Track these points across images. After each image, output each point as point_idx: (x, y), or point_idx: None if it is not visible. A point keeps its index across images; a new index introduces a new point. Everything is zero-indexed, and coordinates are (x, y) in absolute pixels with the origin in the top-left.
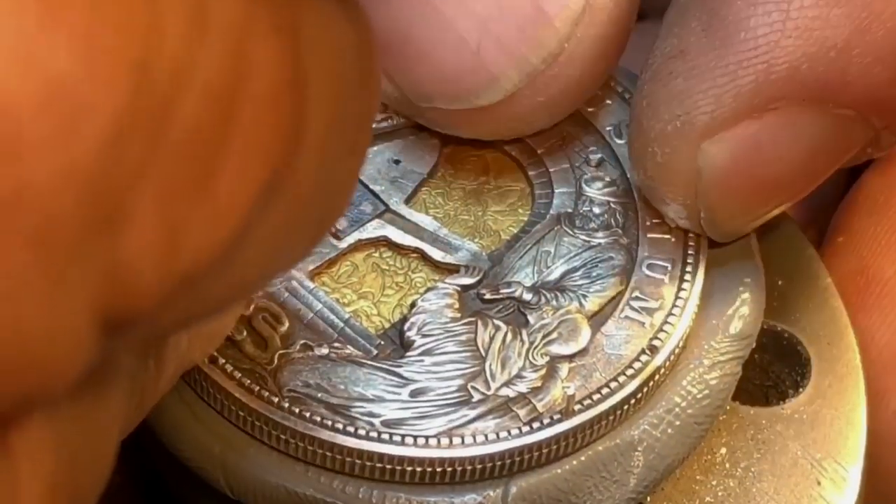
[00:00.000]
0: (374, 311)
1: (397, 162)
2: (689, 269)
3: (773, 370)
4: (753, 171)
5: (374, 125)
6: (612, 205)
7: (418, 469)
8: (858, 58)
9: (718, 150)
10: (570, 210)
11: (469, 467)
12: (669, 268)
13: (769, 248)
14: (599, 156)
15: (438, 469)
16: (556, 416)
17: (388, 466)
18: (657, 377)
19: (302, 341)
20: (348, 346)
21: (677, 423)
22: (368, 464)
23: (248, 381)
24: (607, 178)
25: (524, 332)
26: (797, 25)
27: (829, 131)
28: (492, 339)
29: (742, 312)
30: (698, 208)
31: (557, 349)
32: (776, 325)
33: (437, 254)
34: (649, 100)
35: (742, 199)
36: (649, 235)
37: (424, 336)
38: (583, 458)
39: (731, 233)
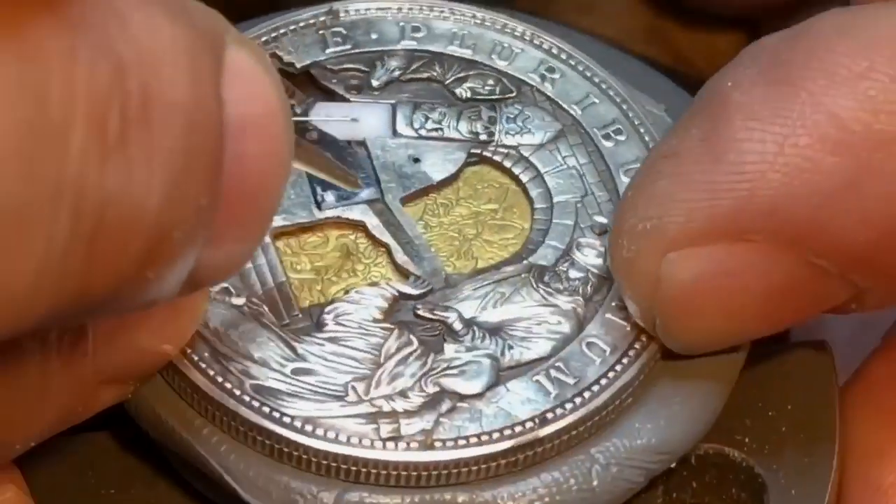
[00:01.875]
0: (318, 287)
1: (416, 161)
2: (626, 360)
3: (732, 495)
4: (715, 295)
5: (416, 125)
6: (591, 275)
7: (264, 441)
8: (844, 212)
9: (683, 265)
10: (546, 264)
11: (311, 458)
12: (608, 352)
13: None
14: (605, 223)
15: (277, 446)
16: (412, 444)
17: (241, 428)
18: (537, 450)
19: (225, 285)
20: (265, 307)
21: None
22: (223, 417)
23: None
24: (601, 249)
25: (431, 357)
26: (788, 162)
27: (804, 279)
28: (398, 350)
29: (667, 431)
30: (653, 314)
31: (452, 384)
32: (732, 453)
33: (400, 256)
34: (633, 192)
35: (699, 320)
36: (607, 315)
37: (338, 324)
38: (432, 497)
39: (684, 347)
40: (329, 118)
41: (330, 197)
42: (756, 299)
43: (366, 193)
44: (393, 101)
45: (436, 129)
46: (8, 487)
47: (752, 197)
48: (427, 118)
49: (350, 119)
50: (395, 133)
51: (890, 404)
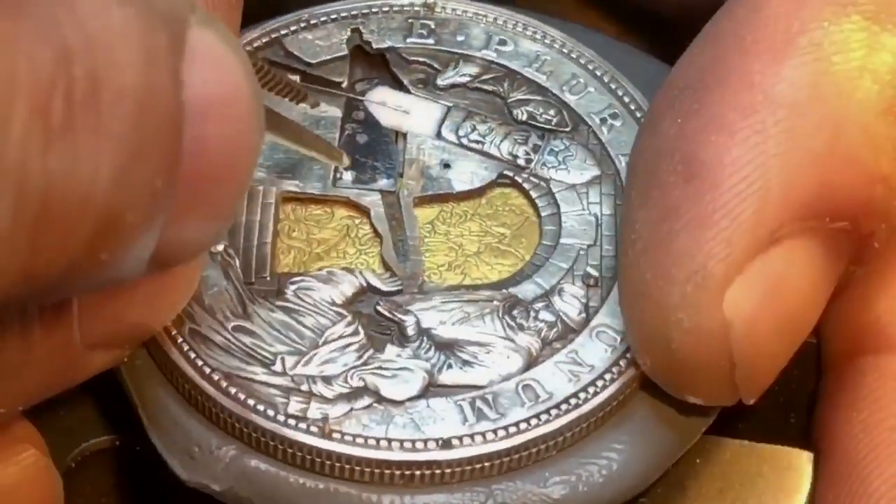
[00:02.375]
0: (303, 258)
1: (447, 166)
2: (554, 412)
3: None
4: (778, 308)
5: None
6: (560, 322)
7: (183, 385)
8: (839, 161)
9: (742, 295)
10: (523, 299)
11: (218, 413)
12: (540, 399)
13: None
14: (597, 276)
15: (192, 393)
16: (312, 428)
17: (167, 367)
18: (435, 471)
19: None
20: (237, 261)
21: None
22: (154, 353)
23: None
24: (584, 301)
25: (369, 353)
26: (777, 141)
27: (830, 249)
28: (340, 337)
29: (575, 488)
30: (733, 368)
31: (376, 383)
32: None
33: (388, 251)
34: (654, 271)
35: (773, 342)
36: (557, 364)
37: (297, 297)
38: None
39: (761, 387)
40: (383, 103)
41: (347, 176)
42: (806, 292)
43: (384, 183)
44: (450, 104)
45: (477, 142)
46: (26, 447)
47: (765, 193)
48: (474, 128)
49: (402, 110)
50: (438, 134)
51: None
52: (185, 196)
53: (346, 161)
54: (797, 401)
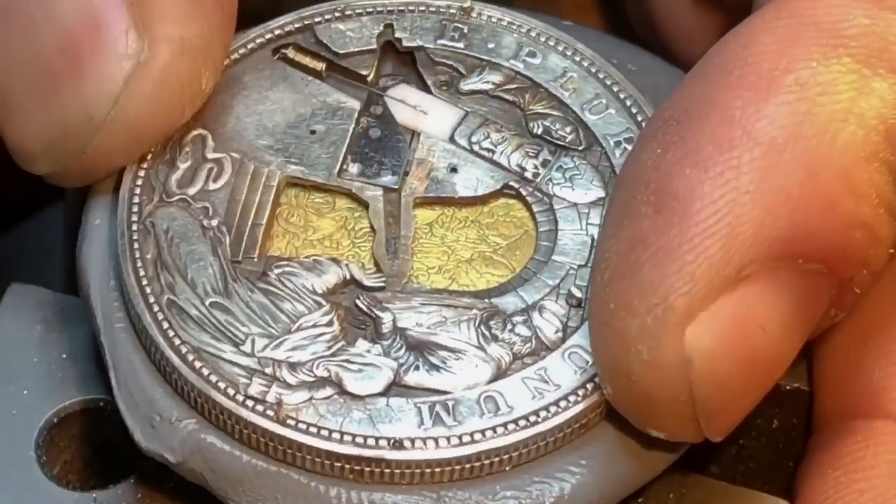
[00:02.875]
0: (296, 244)
1: (453, 170)
2: (511, 426)
3: None
4: (742, 347)
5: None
6: (535, 339)
7: (153, 354)
8: (815, 203)
9: (704, 332)
10: (502, 310)
11: (182, 386)
12: (500, 412)
13: None
14: (580, 297)
15: (161, 363)
16: (268, 412)
17: (141, 335)
18: (380, 469)
19: (207, 205)
20: (228, 238)
21: None
22: (131, 317)
23: (138, 191)
24: (563, 320)
25: (339, 345)
26: (751, 179)
27: (802, 292)
28: (314, 326)
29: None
30: (692, 405)
31: (342, 376)
32: None
33: (379, 247)
34: (617, 301)
35: (735, 382)
36: (524, 379)
37: (280, 283)
38: (278, 470)
39: (725, 426)
40: (403, 100)
41: (353, 169)
42: (773, 333)
43: (388, 179)
44: (467, 110)
45: (488, 150)
46: None
47: (734, 230)
48: (487, 136)
49: (420, 109)
50: (451, 138)
51: None
52: None
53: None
54: (798, 447)
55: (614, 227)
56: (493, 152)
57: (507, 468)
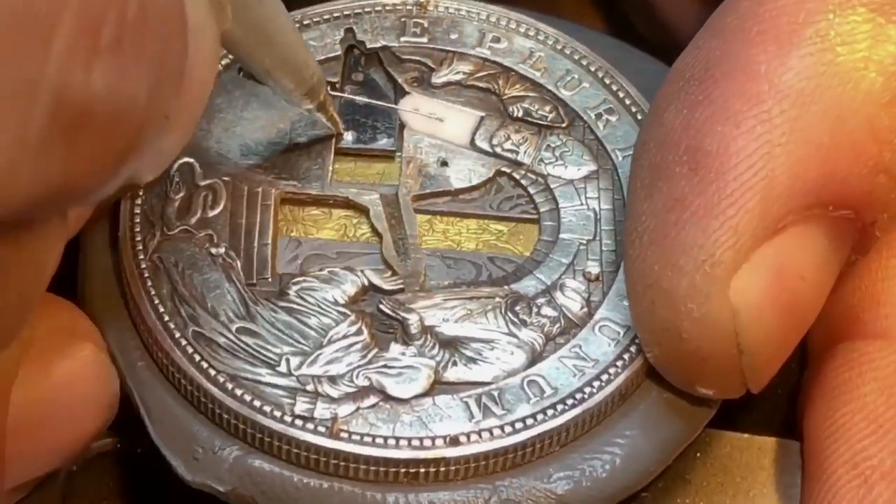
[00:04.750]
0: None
1: (444, 164)
2: (560, 407)
3: None
4: (783, 295)
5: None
6: (563, 317)
7: (186, 387)
8: (843, 151)
9: (748, 284)
10: (524, 294)
11: (223, 414)
12: (545, 395)
13: None
14: (597, 271)
15: (196, 394)
16: (320, 428)
17: (171, 369)
18: (441, 468)
19: (210, 232)
20: (238, 262)
21: None
22: (158, 353)
23: (138, 229)
24: (585, 295)
25: (374, 352)
26: (783, 131)
27: (833, 237)
28: (345, 337)
29: (581, 484)
30: (739, 358)
31: (383, 382)
32: None
33: (388, 250)
34: (662, 262)
35: (778, 330)
36: (562, 359)
37: (300, 297)
38: (331, 485)
39: (767, 376)
40: (416, 110)
41: (349, 136)
42: (809, 279)
43: (385, 142)
44: (483, 114)
45: (511, 151)
46: (85, 343)
47: (771, 182)
48: (508, 138)
49: (436, 118)
50: (472, 143)
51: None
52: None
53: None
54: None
55: (648, 190)
56: (517, 153)
57: (557, 448)
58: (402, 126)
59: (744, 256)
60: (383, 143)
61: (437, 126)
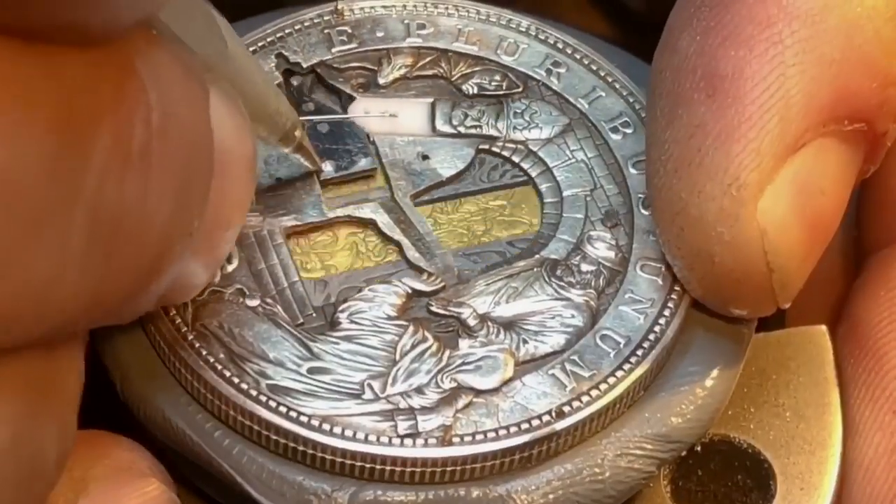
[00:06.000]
0: (330, 286)
1: (425, 157)
2: (640, 352)
3: (737, 481)
4: (806, 210)
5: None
6: (602, 268)
7: (279, 441)
8: (855, 66)
9: (773, 203)
10: (558, 258)
11: (327, 456)
12: (622, 344)
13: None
14: (615, 215)
15: (292, 445)
16: (430, 440)
17: (257, 428)
18: (552, 443)
19: (239, 286)
20: (278, 307)
21: (554, 496)
22: (238, 418)
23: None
24: (613, 242)
25: (447, 353)
26: (795, 52)
27: (848, 150)
28: (413, 347)
29: (677, 419)
30: (770, 275)
31: (468, 379)
32: (737, 438)
33: (412, 253)
34: (689, 189)
35: (805, 243)
36: (620, 308)
37: (353, 322)
38: (446, 493)
39: (795, 290)
40: (367, 112)
41: (329, 167)
42: (829, 193)
43: (364, 163)
44: (433, 99)
45: (475, 126)
46: (151, 481)
47: (787, 101)
48: (466, 115)
49: (389, 114)
50: (433, 129)
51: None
52: (203, 235)
53: (325, 167)
54: None
55: (668, 118)
56: (480, 127)
57: (642, 393)
58: (377, 148)
59: (768, 177)
60: (363, 163)
61: (394, 122)
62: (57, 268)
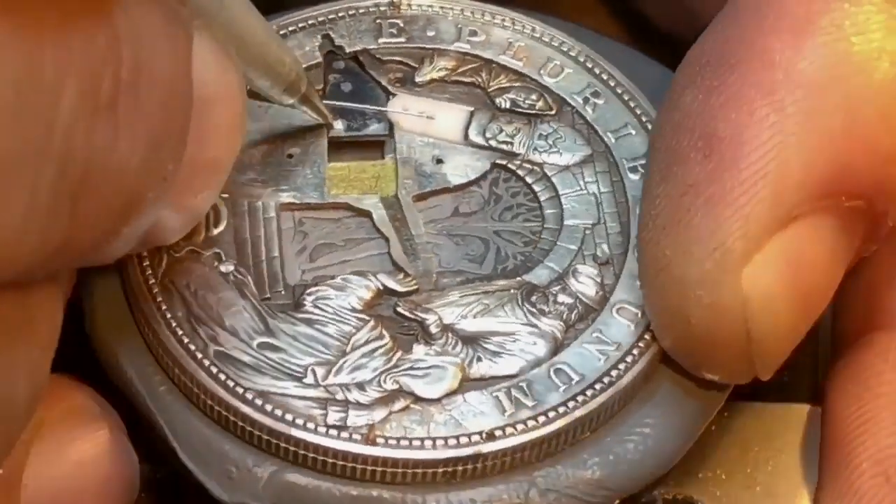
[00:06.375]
0: (310, 266)
1: (439, 162)
2: (590, 392)
3: None
4: (795, 284)
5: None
6: (579, 303)
7: (213, 407)
8: (857, 142)
9: (760, 272)
10: (538, 284)
11: (254, 431)
12: (574, 381)
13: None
14: (607, 254)
15: (225, 414)
16: (355, 436)
17: (196, 391)
18: (478, 464)
19: (217, 250)
20: (250, 278)
21: None
22: (181, 377)
23: (144, 253)
24: (598, 279)
25: (398, 355)
26: (796, 121)
27: (845, 227)
28: (367, 343)
29: (615, 468)
30: (749, 345)
31: (412, 384)
32: (700, 502)
33: (397, 252)
34: (674, 248)
35: (789, 319)
36: (584, 345)
37: (316, 307)
38: (363, 492)
39: (776, 363)
40: (406, 110)
41: (339, 125)
42: (821, 268)
43: (376, 127)
44: (472, 108)
45: (506, 143)
46: (101, 426)
47: (783, 171)
48: (501, 130)
49: (426, 116)
50: (465, 138)
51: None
52: (181, 181)
53: (332, 121)
54: (789, 360)
55: (663, 174)
56: (511, 144)
57: (588, 434)
58: (392, 127)
59: (755, 246)
60: (374, 128)
61: (429, 124)
62: (25, 214)
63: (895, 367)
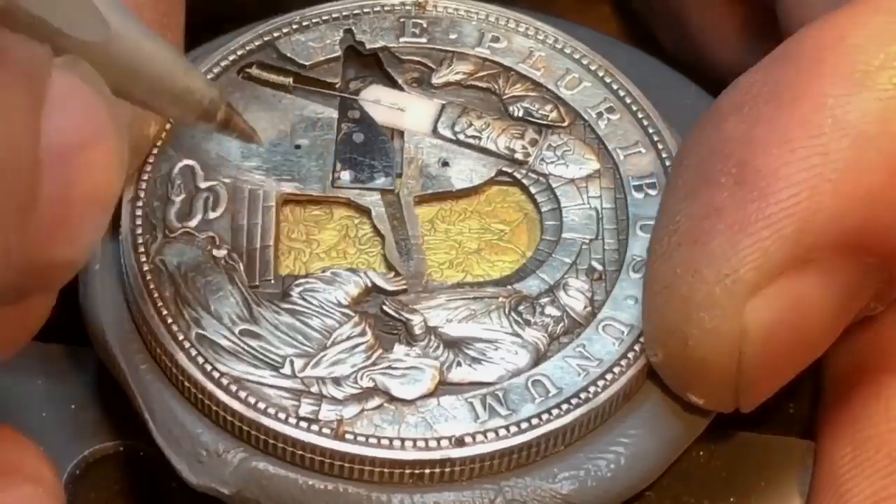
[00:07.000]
0: (303, 259)
1: (445, 164)
2: (565, 406)
3: None
4: (795, 326)
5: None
6: (566, 316)
7: (190, 390)
8: (891, 202)
9: (764, 307)
10: (527, 294)
11: (227, 417)
12: (550, 394)
13: None
14: (600, 270)
15: (200, 397)
16: (325, 430)
17: (174, 371)
18: (446, 469)
19: (212, 234)
20: (241, 264)
21: None
22: (162, 356)
23: (140, 231)
24: (588, 295)
25: (378, 353)
26: (836, 168)
27: (856, 281)
28: (348, 338)
29: (585, 484)
30: (737, 375)
31: (388, 383)
32: None
33: (391, 250)
34: (685, 266)
35: (781, 358)
36: (566, 359)
37: (302, 299)
38: (329, 486)
39: (759, 398)
40: (377, 101)
41: (346, 176)
42: (824, 316)
43: (382, 181)
44: (444, 102)
45: (474, 137)
46: (25, 486)
47: (811, 214)
48: (470, 124)
49: (397, 108)
50: (434, 131)
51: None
52: (49, 228)
53: (259, 140)
54: (796, 390)
55: (688, 192)
56: (480, 139)
57: (562, 448)
58: (401, 133)
59: (766, 279)
60: (381, 182)
61: (399, 115)
62: None
63: (889, 410)
